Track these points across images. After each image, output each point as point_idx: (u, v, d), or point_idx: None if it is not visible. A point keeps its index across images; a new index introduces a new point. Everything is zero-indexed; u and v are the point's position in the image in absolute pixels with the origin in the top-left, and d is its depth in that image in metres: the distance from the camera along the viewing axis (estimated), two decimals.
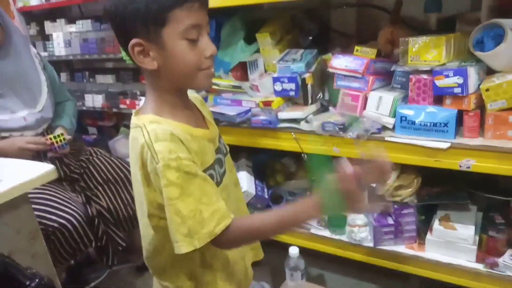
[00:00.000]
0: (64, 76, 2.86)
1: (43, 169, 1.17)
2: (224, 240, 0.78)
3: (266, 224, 0.79)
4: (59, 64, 2.80)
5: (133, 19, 0.74)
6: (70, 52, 2.58)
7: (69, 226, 1.47)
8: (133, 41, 0.76)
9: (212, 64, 0.83)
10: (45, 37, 2.76)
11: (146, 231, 0.90)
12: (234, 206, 0.96)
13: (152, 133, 0.77)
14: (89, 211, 1.62)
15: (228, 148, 1.01)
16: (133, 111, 0.87)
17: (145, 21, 0.74)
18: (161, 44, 0.76)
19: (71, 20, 2.62)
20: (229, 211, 0.79)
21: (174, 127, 0.79)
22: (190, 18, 0.76)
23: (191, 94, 0.97)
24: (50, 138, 1.60)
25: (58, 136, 1.62)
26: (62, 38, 2.58)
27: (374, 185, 0.73)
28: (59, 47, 2.60)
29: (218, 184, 0.86)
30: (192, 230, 0.76)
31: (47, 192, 1.56)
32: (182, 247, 0.77)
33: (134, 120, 0.83)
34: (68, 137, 1.65)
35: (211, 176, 0.84)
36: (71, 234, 1.48)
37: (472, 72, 1.19)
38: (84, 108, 2.66)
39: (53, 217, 1.47)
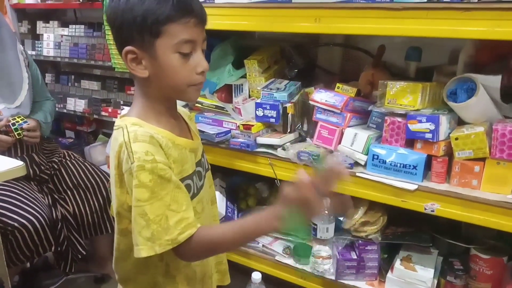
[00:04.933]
0: (49, 77, 2.83)
1: (12, 164, 1.16)
2: (186, 250, 0.77)
3: (229, 236, 0.79)
4: (45, 64, 2.79)
5: (129, 27, 0.77)
6: (58, 54, 2.57)
7: (29, 227, 1.44)
8: (127, 48, 0.78)
9: (203, 80, 0.85)
10: (36, 37, 2.75)
11: (116, 235, 0.89)
12: (208, 222, 0.96)
13: (132, 134, 0.77)
14: (54, 214, 1.58)
15: (209, 166, 1.02)
16: (119, 115, 0.88)
17: (141, 30, 0.76)
18: (153, 55, 0.78)
19: (64, 24, 2.63)
20: (196, 222, 0.79)
21: (156, 132, 0.80)
22: (184, 33, 0.78)
23: (181, 108, 0.99)
24: (9, 121, 1.58)
25: (19, 117, 1.61)
26: (53, 39, 2.58)
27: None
28: (48, 48, 2.59)
29: (194, 195, 0.86)
30: (155, 235, 0.75)
31: (12, 189, 1.53)
32: (143, 251, 0.76)
33: (117, 121, 0.84)
34: (30, 122, 1.62)
35: (188, 186, 0.83)
36: (31, 235, 1.45)
37: (444, 120, 1.25)
38: (65, 111, 2.63)
39: (15, 216, 1.43)
